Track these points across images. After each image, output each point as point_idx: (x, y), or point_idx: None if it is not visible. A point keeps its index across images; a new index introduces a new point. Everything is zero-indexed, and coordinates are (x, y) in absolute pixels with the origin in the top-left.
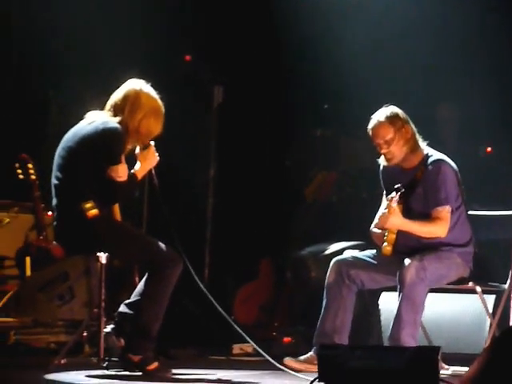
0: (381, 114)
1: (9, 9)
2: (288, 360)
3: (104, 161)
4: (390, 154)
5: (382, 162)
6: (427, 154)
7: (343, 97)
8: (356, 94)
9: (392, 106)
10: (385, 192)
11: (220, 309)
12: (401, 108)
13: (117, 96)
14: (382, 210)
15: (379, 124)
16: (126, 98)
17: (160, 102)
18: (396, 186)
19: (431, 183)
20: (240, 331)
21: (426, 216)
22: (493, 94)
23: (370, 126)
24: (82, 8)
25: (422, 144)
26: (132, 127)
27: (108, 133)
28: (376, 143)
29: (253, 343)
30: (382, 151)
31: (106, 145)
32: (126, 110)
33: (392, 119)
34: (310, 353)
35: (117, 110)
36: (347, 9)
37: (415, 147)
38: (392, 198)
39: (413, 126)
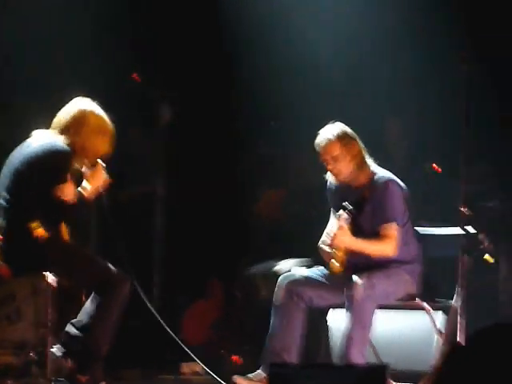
0: (328, 131)
1: None
2: (238, 378)
3: (50, 181)
4: (337, 169)
5: (329, 177)
6: (374, 172)
7: (291, 113)
8: (304, 110)
9: (339, 123)
10: (332, 209)
11: (167, 328)
12: (349, 123)
13: (63, 115)
14: (329, 226)
15: (326, 140)
16: (72, 116)
17: (108, 121)
18: (343, 204)
19: (378, 201)
20: (187, 350)
21: (375, 234)
22: (440, 109)
23: (317, 141)
24: (30, 24)
25: (370, 161)
26: (78, 146)
27: (54, 152)
28: (323, 159)
29: (200, 362)
30: (329, 167)
31: (52, 164)
32: (72, 129)
33: (339, 135)
34: (259, 370)
35: (63, 129)
36: (296, 23)
37: (362, 164)
38: (340, 216)
39: (360, 143)
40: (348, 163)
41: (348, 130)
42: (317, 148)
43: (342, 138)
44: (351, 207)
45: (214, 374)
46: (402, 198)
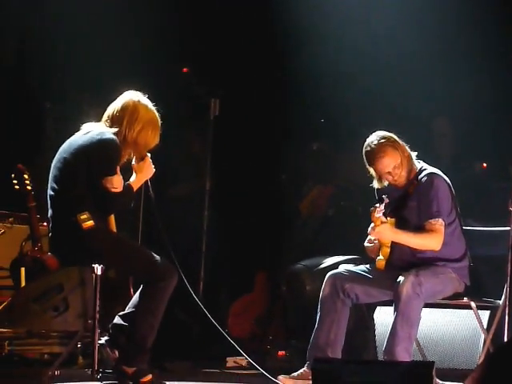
0: (378, 145)
1: (7, 21)
2: (282, 378)
3: (99, 172)
4: (398, 176)
5: (375, 185)
6: (421, 168)
7: (340, 111)
8: (353, 108)
9: (382, 133)
10: None
11: (214, 322)
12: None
13: (114, 107)
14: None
15: (382, 155)
16: (123, 109)
17: (157, 114)
18: (380, 197)
19: (424, 196)
20: (234, 344)
21: (420, 229)
22: (488, 110)
23: (371, 159)
24: (81, 20)
25: (414, 156)
26: (130, 138)
27: (103, 144)
28: (382, 174)
29: (247, 357)
30: (389, 178)
31: (102, 156)
32: (123, 122)
33: (393, 146)
34: (304, 368)
35: (114, 122)
36: (346, 25)
37: (412, 163)
38: (375, 208)
39: (405, 145)
40: (405, 168)
41: (393, 135)
42: (370, 164)
43: (395, 147)
44: (387, 199)
45: (260, 368)
46: (447, 194)
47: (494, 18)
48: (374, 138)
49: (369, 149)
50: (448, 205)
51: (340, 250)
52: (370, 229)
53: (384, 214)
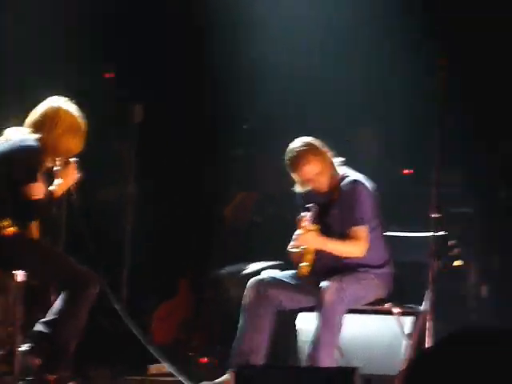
0: (300, 151)
1: None
2: None
3: (20, 179)
4: (319, 184)
5: (297, 189)
6: (343, 175)
7: (265, 115)
8: (277, 112)
9: (304, 139)
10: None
11: (133, 328)
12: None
13: (36, 113)
14: (298, 230)
15: (304, 162)
16: (44, 114)
17: (80, 119)
18: (308, 206)
19: (347, 203)
20: (154, 353)
21: (344, 236)
22: (411, 116)
23: (293, 166)
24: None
25: (337, 162)
26: (51, 144)
27: (24, 150)
28: (302, 181)
29: (166, 363)
30: (311, 185)
31: (23, 163)
32: (44, 127)
33: (314, 153)
34: (226, 375)
35: (36, 127)
36: (268, 27)
37: (334, 170)
38: (303, 217)
39: (327, 149)
40: (326, 175)
41: (316, 142)
42: (292, 171)
43: (317, 154)
44: (315, 209)
45: (181, 376)
46: (370, 198)
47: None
48: (295, 145)
49: (290, 155)
50: (370, 211)
51: (265, 255)
52: (295, 235)
53: (315, 223)
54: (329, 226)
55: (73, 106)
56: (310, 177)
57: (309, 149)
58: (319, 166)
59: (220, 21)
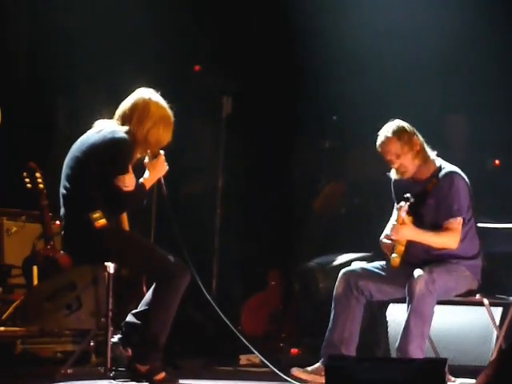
0: (387, 130)
1: (20, 16)
2: (296, 370)
3: (111, 170)
4: (403, 167)
5: (393, 175)
6: (440, 166)
7: (352, 108)
8: (365, 104)
9: (397, 120)
10: (396, 204)
11: (226, 320)
12: (409, 118)
13: (126, 105)
14: (392, 220)
15: (387, 140)
16: (134, 106)
17: (169, 111)
18: (405, 196)
19: (444, 195)
20: (246, 343)
21: (437, 227)
22: (502, 107)
23: (378, 142)
24: (95, 17)
25: (433, 155)
26: (140, 136)
27: (115, 142)
28: (387, 159)
29: (259, 355)
30: (394, 166)
31: (114, 154)
32: (134, 119)
33: (399, 133)
34: (318, 364)
35: (125, 119)
36: (358, 21)
37: (426, 158)
38: (401, 207)
39: (420, 138)
40: (412, 160)
41: (406, 125)
42: (379, 149)
43: (402, 135)
44: (412, 199)
45: (271, 366)
46: (466, 192)
47: None
48: (387, 125)
49: (379, 134)
50: (466, 203)
51: (353, 247)
52: (390, 226)
53: (408, 214)
54: (422, 216)
55: (161, 98)
56: (389, 157)
57: (395, 129)
58: (400, 147)
59: (309, 8)
